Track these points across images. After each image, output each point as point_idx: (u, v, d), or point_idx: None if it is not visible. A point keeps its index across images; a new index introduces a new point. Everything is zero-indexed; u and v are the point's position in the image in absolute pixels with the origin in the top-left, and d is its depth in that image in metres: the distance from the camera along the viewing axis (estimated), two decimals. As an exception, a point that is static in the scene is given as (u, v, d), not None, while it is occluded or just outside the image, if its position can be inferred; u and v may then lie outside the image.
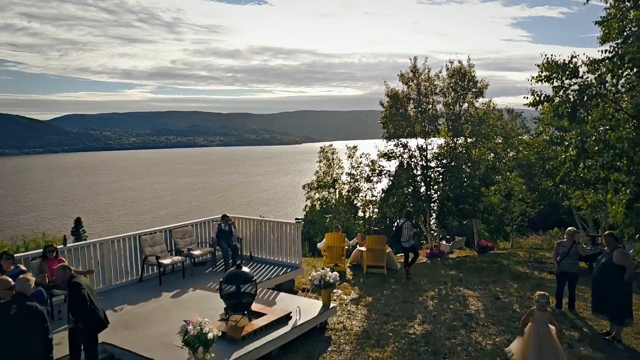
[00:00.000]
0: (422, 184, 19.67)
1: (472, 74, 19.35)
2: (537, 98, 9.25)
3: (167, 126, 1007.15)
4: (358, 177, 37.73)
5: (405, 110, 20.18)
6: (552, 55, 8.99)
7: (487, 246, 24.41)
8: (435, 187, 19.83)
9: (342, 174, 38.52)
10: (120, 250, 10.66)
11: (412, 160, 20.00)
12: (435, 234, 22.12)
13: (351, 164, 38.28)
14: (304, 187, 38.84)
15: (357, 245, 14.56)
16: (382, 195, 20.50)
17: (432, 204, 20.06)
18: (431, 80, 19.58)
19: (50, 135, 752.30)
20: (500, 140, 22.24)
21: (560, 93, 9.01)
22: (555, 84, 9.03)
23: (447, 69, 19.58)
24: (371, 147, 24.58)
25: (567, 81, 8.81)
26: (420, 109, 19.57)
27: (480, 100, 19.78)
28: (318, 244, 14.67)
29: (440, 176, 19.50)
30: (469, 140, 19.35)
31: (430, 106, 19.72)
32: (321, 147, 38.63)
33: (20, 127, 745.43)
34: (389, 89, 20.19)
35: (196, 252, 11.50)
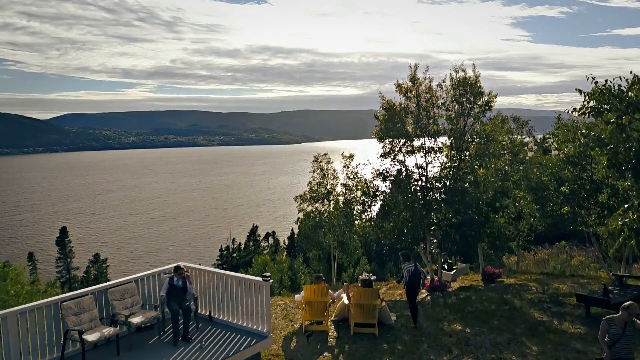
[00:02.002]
0: (422, 208, 17.27)
1: (479, 84, 16.98)
2: (584, 139, 6.79)
3: (167, 125, 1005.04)
4: (353, 188, 35.63)
5: (402, 125, 17.84)
6: (605, 82, 6.44)
7: (493, 273, 22.08)
8: (437, 211, 17.45)
9: (337, 184, 36.11)
10: (35, 320, 8.29)
11: (411, 181, 17.63)
12: (437, 259, 19.74)
13: (347, 174, 35.98)
14: (295, 198, 36.43)
15: (344, 296, 12.19)
16: (377, 221, 18.14)
17: (432, 231, 17.69)
18: (433, 92, 17.22)
19: (50, 135, 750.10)
20: (508, 157, 19.97)
21: (615, 129, 6.41)
22: (609, 118, 6.46)
23: (451, 79, 17.21)
24: (366, 154, 22.27)
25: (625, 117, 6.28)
26: (419, 124, 17.20)
27: (488, 114, 17.39)
28: (296, 296, 12.29)
29: (442, 201, 17.10)
30: (474, 160, 16.94)
31: (431, 120, 17.34)
32: (315, 157, 36.21)
33: (19, 126, 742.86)
34: (384, 101, 17.84)
35: (136, 319, 9.11)
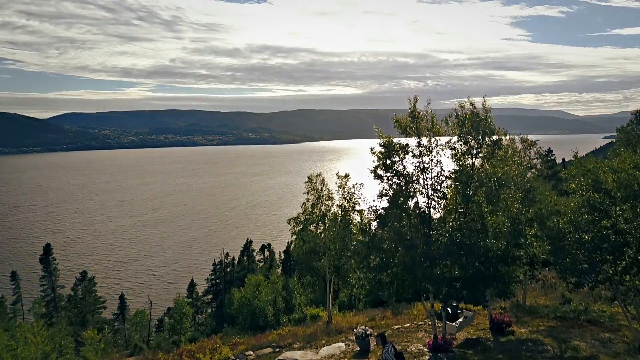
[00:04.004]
0: (424, 261, 15.19)
1: (489, 120, 14.90)
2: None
3: (166, 125, 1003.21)
4: (349, 209, 33.60)
5: (402, 163, 15.79)
6: None
7: (502, 322, 20.06)
8: (441, 264, 15.38)
9: (332, 205, 34.01)
10: None
11: (411, 230, 15.56)
12: (440, 314, 17.66)
13: (342, 194, 33.97)
14: (289, 221, 34.28)
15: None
16: (374, 274, 16.06)
17: (437, 285, 15.63)
18: (436, 128, 15.14)
19: (49, 134, 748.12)
20: (520, 194, 17.91)
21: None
22: None
23: (457, 116, 15.13)
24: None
25: None
26: (421, 166, 15.14)
27: (499, 153, 15.32)
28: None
29: (447, 254, 15.02)
30: (484, 207, 14.86)
31: (434, 162, 15.28)
32: (309, 177, 34.09)
33: (19, 125, 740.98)
34: (381, 137, 15.78)
35: None
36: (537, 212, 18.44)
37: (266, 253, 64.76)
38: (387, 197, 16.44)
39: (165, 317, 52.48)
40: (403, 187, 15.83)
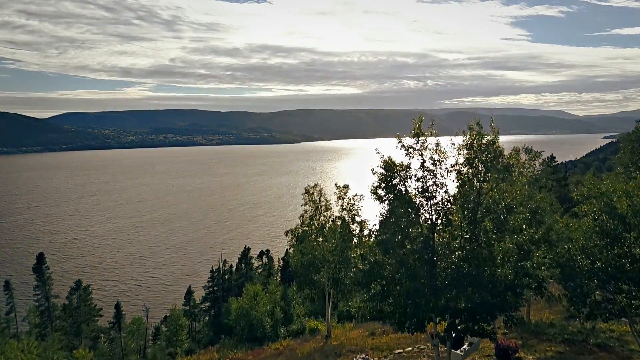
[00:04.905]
0: (428, 291, 14.33)
1: (497, 144, 14.01)
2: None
3: (166, 125, 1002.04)
4: (349, 220, 32.80)
5: (404, 184, 14.91)
6: None
7: (509, 347, 19.22)
8: (446, 294, 14.50)
9: (330, 217, 33.21)
10: None
11: (414, 257, 14.69)
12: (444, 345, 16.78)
13: (342, 205, 33.21)
14: (286, 233, 33.48)
15: None
16: (374, 303, 15.19)
17: (441, 316, 14.77)
18: (441, 155, 14.25)
19: (49, 134, 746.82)
20: (527, 214, 17.05)
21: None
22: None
23: (464, 139, 14.24)
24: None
25: None
26: (425, 193, 14.26)
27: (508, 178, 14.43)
28: None
29: (452, 285, 14.14)
30: (491, 234, 13.98)
31: (439, 188, 14.40)
32: (306, 188, 33.27)
33: (18, 125, 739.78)
34: (383, 160, 14.92)
35: None
36: (545, 235, 17.58)
37: (264, 259, 63.87)
38: (389, 222, 15.60)
39: (162, 325, 51.64)
40: (406, 213, 14.97)
